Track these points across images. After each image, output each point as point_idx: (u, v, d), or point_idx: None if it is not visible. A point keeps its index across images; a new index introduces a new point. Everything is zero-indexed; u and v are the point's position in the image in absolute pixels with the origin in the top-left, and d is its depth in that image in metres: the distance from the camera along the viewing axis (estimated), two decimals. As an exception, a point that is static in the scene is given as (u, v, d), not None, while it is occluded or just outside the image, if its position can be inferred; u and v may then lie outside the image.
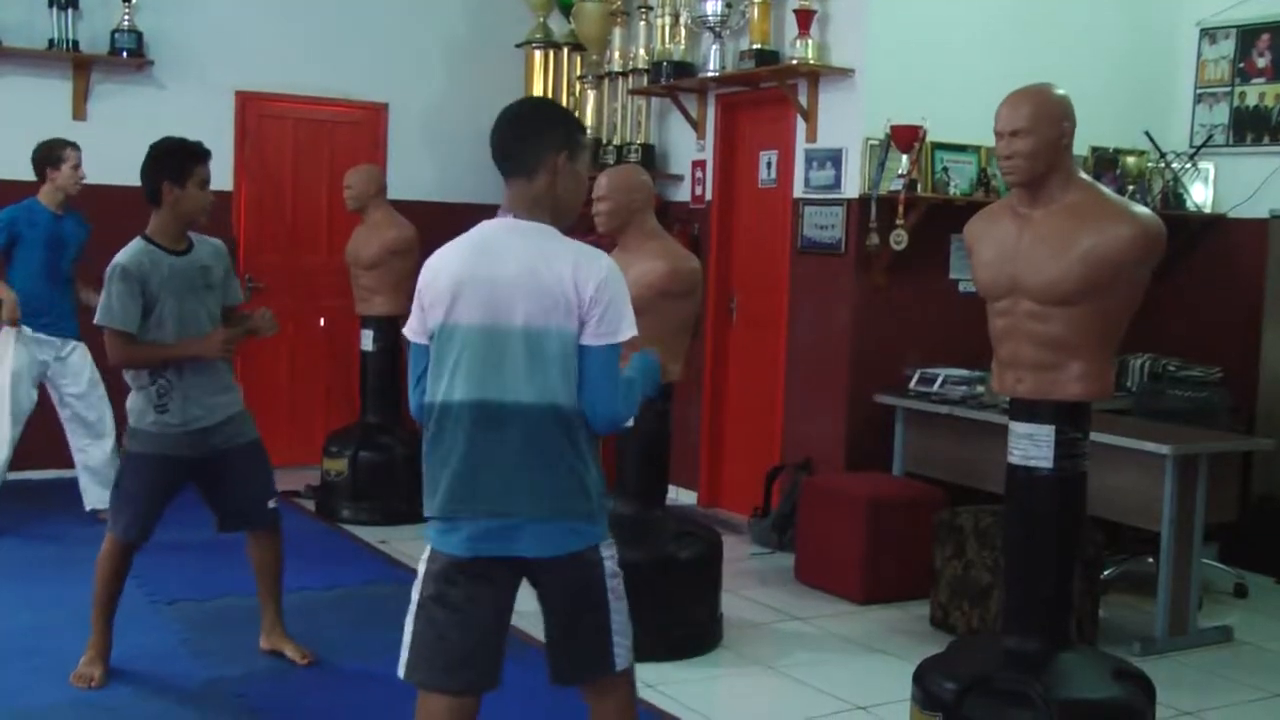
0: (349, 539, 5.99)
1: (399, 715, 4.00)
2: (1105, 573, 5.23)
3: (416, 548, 5.93)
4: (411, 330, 2.83)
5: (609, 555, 2.78)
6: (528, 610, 4.97)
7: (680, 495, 6.85)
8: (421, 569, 2.80)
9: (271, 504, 4.35)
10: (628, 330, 2.70)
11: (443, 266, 2.75)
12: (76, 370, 6.05)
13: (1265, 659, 4.92)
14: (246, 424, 4.29)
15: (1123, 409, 5.75)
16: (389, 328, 6.57)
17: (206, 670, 4.31)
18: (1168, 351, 6.32)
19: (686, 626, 4.63)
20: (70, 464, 6.25)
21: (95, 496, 6.17)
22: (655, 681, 4.24)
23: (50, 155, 5.92)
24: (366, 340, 6.62)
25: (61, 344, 6.01)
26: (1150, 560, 5.21)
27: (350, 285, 6.67)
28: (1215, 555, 5.72)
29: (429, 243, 6.48)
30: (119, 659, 4.21)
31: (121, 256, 4.04)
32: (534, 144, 2.74)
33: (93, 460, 6.13)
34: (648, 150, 7.24)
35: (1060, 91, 3.40)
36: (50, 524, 6.09)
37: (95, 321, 4.07)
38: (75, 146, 5.96)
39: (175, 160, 4.10)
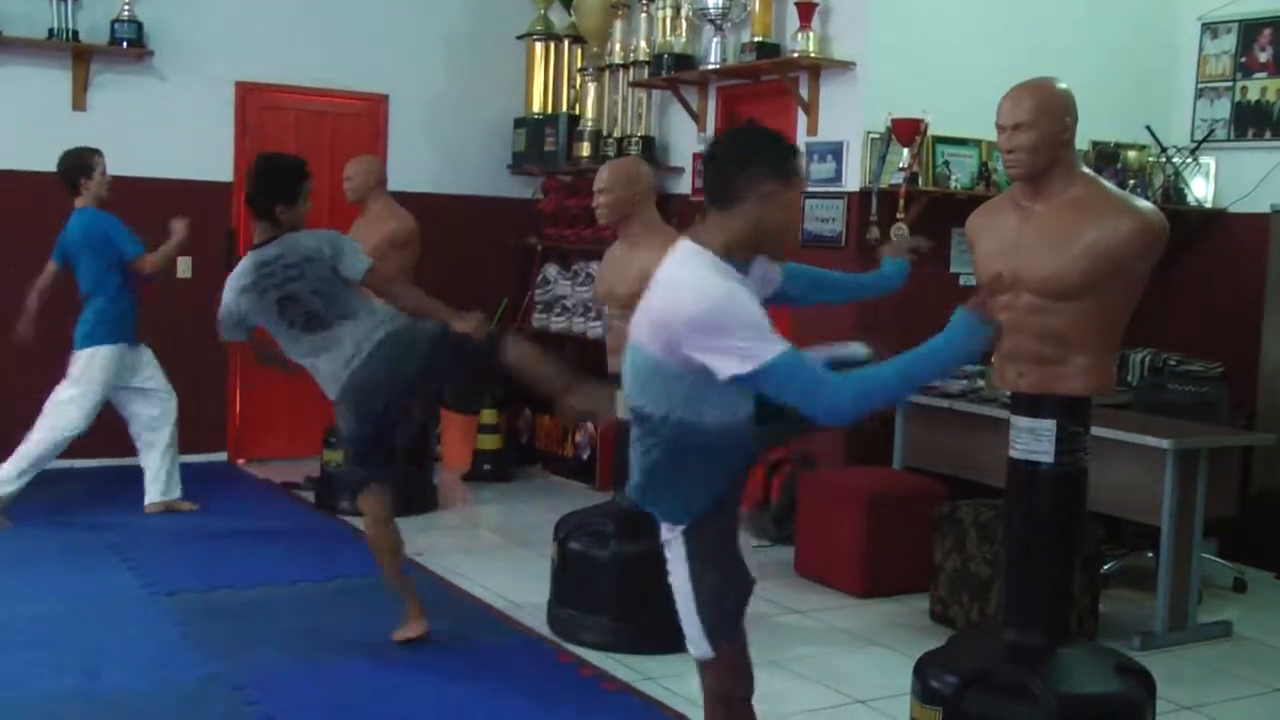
0: (349, 530, 5.99)
1: (397, 707, 4.01)
2: (1105, 567, 5.24)
3: (415, 539, 5.96)
4: None
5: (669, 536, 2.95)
6: (529, 603, 5.00)
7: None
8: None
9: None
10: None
11: None
12: (144, 365, 6.12)
13: (1265, 654, 4.92)
14: None
15: (1123, 404, 5.75)
16: (389, 320, 6.56)
17: (206, 661, 4.30)
18: (1168, 346, 6.32)
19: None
20: (72, 455, 6.24)
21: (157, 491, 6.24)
22: (655, 674, 4.25)
23: (83, 164, 5.92)
24: (366, 332, 6.60)
25: (132, 349, 6.06)
26: (1150, 555, 5.22)
27: (350, 277, 6.65)
28: (1215, 550, 5.73)
29: (429, 234, 6.62)
30: (118, 651, 4.20)
31: (296, 242, 4.34)
32: (731, 177, 2.74)
33: (155, 451, 6.19)
34: (648, 142, 7.23)
35: (1062, 86, 3.38)
36: (55, 515, 6.06)
37: (367, 271, 4.38)
38: (99, 153, 5.99)
39: (288, 183, 4.38)
